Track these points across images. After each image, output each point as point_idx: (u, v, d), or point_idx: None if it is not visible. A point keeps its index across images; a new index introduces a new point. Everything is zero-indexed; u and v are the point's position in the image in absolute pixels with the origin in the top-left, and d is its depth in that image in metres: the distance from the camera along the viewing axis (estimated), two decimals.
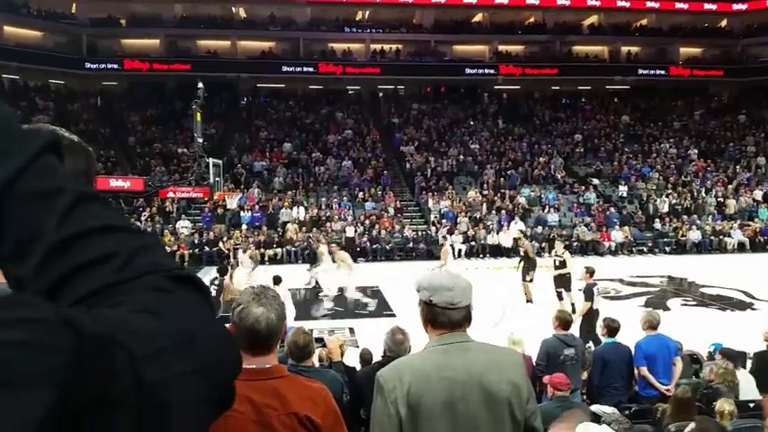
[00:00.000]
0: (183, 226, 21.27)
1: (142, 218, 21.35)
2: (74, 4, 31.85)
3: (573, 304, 11.64)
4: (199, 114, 24.34)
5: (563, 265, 12.54)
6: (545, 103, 33.73)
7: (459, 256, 21.40)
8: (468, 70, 33.60)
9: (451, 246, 18.88)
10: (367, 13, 34.29)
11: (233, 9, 33.21)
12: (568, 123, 31.88)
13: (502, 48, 34.70)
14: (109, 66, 31.30)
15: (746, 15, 35.35)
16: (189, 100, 24.92)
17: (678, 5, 34.92)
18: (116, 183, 23.00)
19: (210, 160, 22.55)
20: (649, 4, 34.94)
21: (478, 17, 34.91)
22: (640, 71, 34.34)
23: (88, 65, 31.20)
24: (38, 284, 0.55)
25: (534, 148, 29.18)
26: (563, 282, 12.40)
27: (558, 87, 34.70)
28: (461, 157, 28.02)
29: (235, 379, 0.62)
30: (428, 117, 31.52)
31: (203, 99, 24.41)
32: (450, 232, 21.89)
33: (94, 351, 0.47)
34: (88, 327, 0.48)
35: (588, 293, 9.80)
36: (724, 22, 36.21)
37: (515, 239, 20.76)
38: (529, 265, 13.51)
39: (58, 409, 0.43)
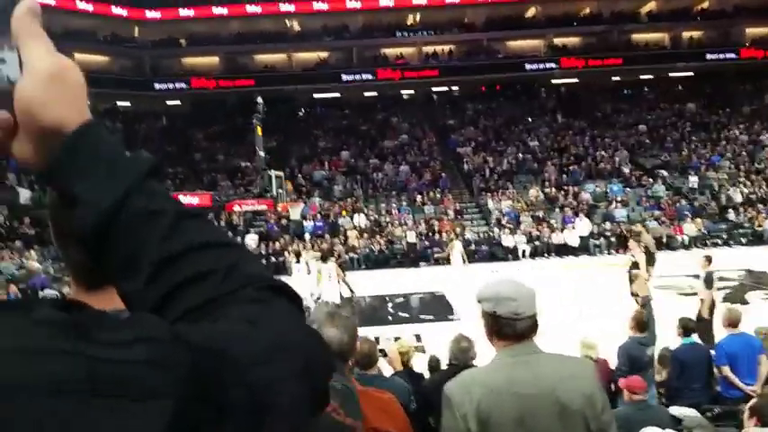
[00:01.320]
0: (251, 239, 21.80)
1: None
2: (136, 29, 33.26)
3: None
4: (259, 128, 24.99)
5: (636, 266, 12.12)
6: (605, 95, 32.87)
7: (524, 256, 21.14)
8: (525, 66, 33.09)
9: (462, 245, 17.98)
10: (418, 16, 34.34)
11: (286, 23, 33.92)
12: (631, 114, 30.97)
13: (558, 41, 34.05)
14: (172, 85, 32.53)
15: None
16: (250, 114, 25.59)
17: None
18: (185, 199, 23.82)
19: (273, 172, 23.08)
20: None
21: (531, 11, 34.40)
22: (706, 56, 32.96)
23: (153, 85, 32.53)
24: (145, 300, 0.60)
25: (596, 142, 28.48)
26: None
27: (618, 78, 33.76)
28: (520, 155, 27.65)
29: (328, 380, 0.68)
30: (484, 116, 31.28)
31: (263, 113, 25.04)
32: (513, 232, 21.65)
33: (207, 364, 0.51)
34: (198, 341, 0.52)
35: (709, 282, 9.63)
36: None
37: (631, 233, 19.18)
38: (649, 261, 12.93)
39: (180, 421, 0.47)
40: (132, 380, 0.47)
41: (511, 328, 2.01)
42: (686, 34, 34.32)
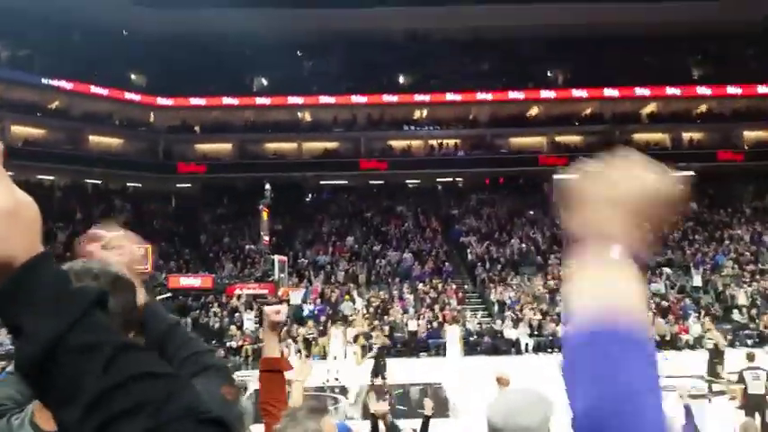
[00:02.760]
0: (248, 318, 21.59)
1: (210, 313, 21.89)
2: (151, 114, 34.44)
3: None
4: (265, 213, 25.41)
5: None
6: None
7: (527, 350, 20.78)
8: (529, 161, 33.90)
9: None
10: (425, 112, 35.53)
11: (299, 114, 35.13)
12: None
13: (559, 139, 35.02)
14: (182, 169, 33.28)
15: None
16: (257, 199, 26.06)
17: (731, 90, 34.62)
18: (187, 281, 23.83)
19: (276, 257, 23.21)
20: (701, 91, 34.83)
21: (534, 110, 35.57)
22: (703, 159, 33.73)
23: (165, 168, 33.28)
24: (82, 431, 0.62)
25: None
26: None
27: None
28: (524, 246, 27.77)
29: None
30: (488, 207, 31.67)
31: (270, 198, 25.52)
32: (516, 325, 21.38)
33: None
34: None
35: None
36: None
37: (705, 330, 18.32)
38: (718, 360, 12.74)
39: None
40: None
41: None
42: (686, 135, 35.28)
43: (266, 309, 2.61)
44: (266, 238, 25.91)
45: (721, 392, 12.47)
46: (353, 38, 34.14)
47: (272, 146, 34.98)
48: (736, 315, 22.18)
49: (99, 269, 1.14)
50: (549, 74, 36.14)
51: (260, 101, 34.57)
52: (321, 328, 19.85)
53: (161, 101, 33.89)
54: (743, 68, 34.36)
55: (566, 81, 35.69)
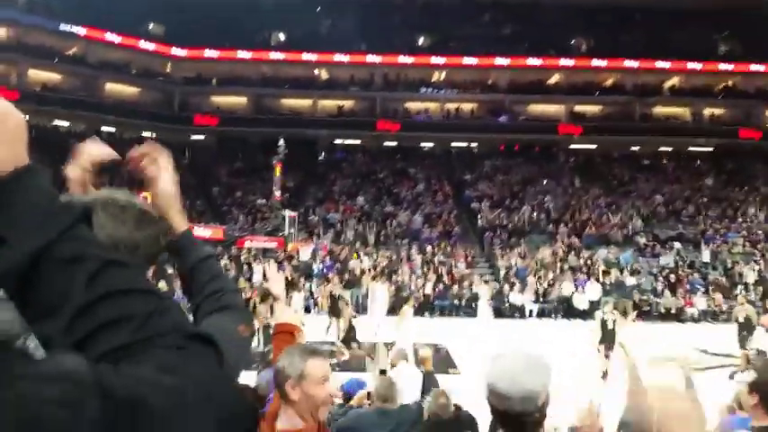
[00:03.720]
0: (258, 270, 21.84)
1: (221, 264, 22.16)
2: (168, 65, 34.29)
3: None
4: (278, 169, 25.47)
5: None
6: (624, 163, 33.12)
7: (531, 315, 20.95)
8: (545, 130, 33.56)
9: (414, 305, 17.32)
10: (443, 74, 35.11)
11: (315, 71, 34.80)
12: (648, 184, 31.08)
13: (579, 108, 34.59)
14: (197, 121, 33.28)
15: None
16: (271, 155, 26.08)
17: (754, 68, 33.88)
18: (199, 231, 24.05)
19: (287, 212, 23.37)
20: (724, 67, 34.15)
21: (555, 78, 35.06)
22: (723, 135, 33.25)
23: (179, 120, 33.29)
24: (64, 342, 0.61)
25: (612, 209, 28.52)
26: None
27: (637, 148, 34.06)
28: (534, 214, 27.73)
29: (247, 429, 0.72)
30: (500, 174, 31.53)
31: (283, 154, 25.52)
32: (522, 291, 21.50)
33: (122, 411, 0.53)
34: (117, 387, 0.54)
35: None
36: None
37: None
38: (748, 332, 12.99)
39: None
40: (43, 418, 0.48)
41: (513, 423, 1.80)
42: (707, 111, 34.74)
43: (267, 284, 2.85)
44: (278, 193, 26.04)
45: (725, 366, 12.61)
46: None
47: (287, 102, 34.83)
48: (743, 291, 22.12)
49: (125, 202, 1.14)
50: (571, 42, 35.44)
51: (276, 56, 34.29)
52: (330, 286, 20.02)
53: (177, 51, 33.72)
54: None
55: (588, 50, 35.02)
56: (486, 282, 20.87)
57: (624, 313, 16.62)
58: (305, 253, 23.01)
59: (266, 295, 11.82)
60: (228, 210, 27.73)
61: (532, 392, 1.74)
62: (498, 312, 20.69)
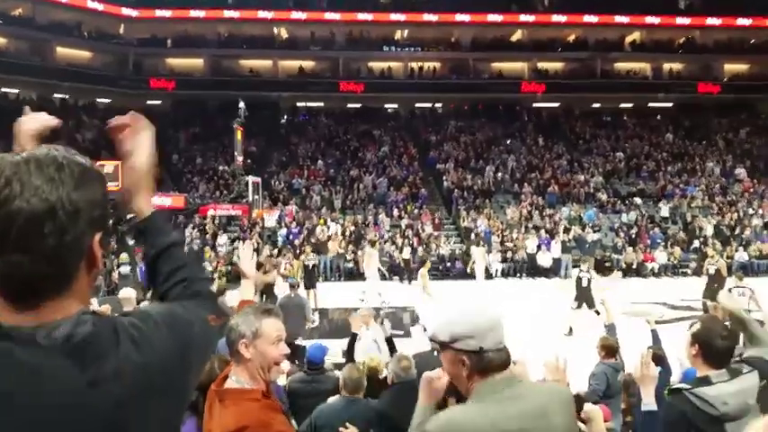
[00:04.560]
0: (221, 243, 21.56)
1: (185, 235, 21.75)
2: (121, 26, 32.92)
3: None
4: (239, 132, 24.84)
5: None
6: (585, 120, 33.35)
7: (496, 275, 21.21)
8: (508, 88, 33.46)
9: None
10: (405, 32, 34.54)
11: (274, 30, 33.85)
12: (609, 141, 31.42)
13: (541, 65, 34.53)
14: (153, 85, 32.18)
15: None
16: (231, 118, 25.41)
17: (713, 22, 34.20)
18: (159, 200, 23.44)
19: (250, 178, 22.91)
20: (683, 21, 34.39)
21: (517, 35, 34.83)
22: (683, 90, 33.66)
23: (134, 84, 32.15)
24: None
25: (574, 166, 28.81)
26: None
27: (598, 105, 34.29)
28: (499, 174, 27.84)
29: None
30: (465, 134, 31.46)
31: (244, 117, 24.88)
32: (488, 251, 21.67)
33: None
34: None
35: None
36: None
37: (705, 257, 18.57)
38: (719, 285, 13.25)
39: None
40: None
41: (497, 361, 1.82)
42: (667, 66, 35.04)
43: (239, 261, 2.92)
44: (240, 158, 25.48)
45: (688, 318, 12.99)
46: None
47: (246, 63, 33.88)
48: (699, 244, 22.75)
49: (64, 158, 1.02)
50: None
51: (233, 14, 33.18)
52: (297, 252, 19.86)
53: (129, 12, 32.33)
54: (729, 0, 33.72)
55: (551, 5, 34.80)
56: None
57: (600, 271, 17.00)
58: (270, 220, 22.73)
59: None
60: (189, 177, 27.12)
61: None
62: (465, 274, 20.94)
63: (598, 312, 11.60)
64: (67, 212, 0.97)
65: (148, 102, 32.71)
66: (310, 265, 15.36)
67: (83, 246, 1.00)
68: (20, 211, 0.93)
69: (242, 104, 24.99)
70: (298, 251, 19.38)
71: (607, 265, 21.10)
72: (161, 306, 1.23)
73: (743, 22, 34.33)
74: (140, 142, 1.33)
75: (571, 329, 12.48)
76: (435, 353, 4.46)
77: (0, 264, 0.94)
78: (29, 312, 0.97)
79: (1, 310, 0.98)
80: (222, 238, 21.66)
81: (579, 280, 12.89)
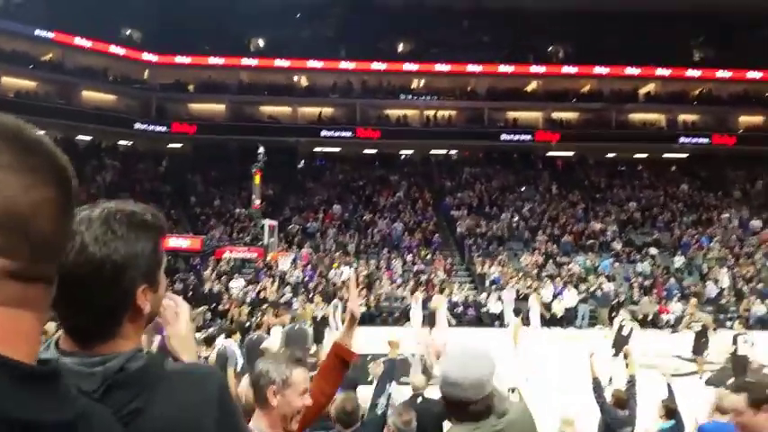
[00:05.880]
0: (236, 286, 21.65)
1: (202, 277, 21.90)
2: (146, 71, 33.94)
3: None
4: (257, 176, 25.32)
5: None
6: (600, 170, 33.49)
7: (510, 324, 21.00)
8: (521, 137, 33.80)
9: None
10: (421, 81, 35.23)
11: (294, 77, 34.73)
12: (624, 190, 31.46)
13: (556, 115, 34.93)
14: (175, 128, 32.93)
15: None
16: (250, 163, 25.91)
17: (727, 74, 34.51)
18: (176, 242, 23.78)
19: (266, 221, 23.24)
20: (698, 73, 34.80)
21: (532, 85, 35.36)
22: (699, 139, 33.79)
23: (156, 127, 32.92)
24: None
25: (589, 215, 28.82)
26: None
27: (613, 154, 34.46)
28: (514, 222, 27.90)
29: None
30: (480, 182, 31.69)
31: (263, 162, 25.36)
32: (501, 299, 21.55)
33: None
34: None
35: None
36: None
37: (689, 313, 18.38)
38: (706, 340, 13.22)
39: None
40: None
41: (461, 412, 1.97)
42: (681, 117, 35.29)
43: (349, 305, 2.81)
44: (257, 202, 25.88)
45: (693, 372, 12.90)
46: (353, 2, 33.66)
47: (266, 109, 34.66)
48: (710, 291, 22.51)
49: (114, 213, 1.09)
50: (549, 49, 35.80)
51: (255, 62, 34.12)
52: (311, 295, 19.92)
53: (153, 57, 33.30)
54: (743, 53, 34.07)
55: (566, 57, 35.41)
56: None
57: (637, 321, 16.90)
58: (284, 263, 22.89)
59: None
60: (207, 219, 27.48)
61: (480, 380, 1.96)
62: (479, 320, 20.84)
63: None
64: (114, 268, 1.01)
65: (170, 145, 33.50)
66: (319, 317, 14.91)
67: (128, 299, 1.04)
68: (65, 269, 0.92)
69: (261, 149, 25.51)
70: (311, 295, 19.41)
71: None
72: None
73: (754, 75, 34.62)
74: (178, 314, 1.46)
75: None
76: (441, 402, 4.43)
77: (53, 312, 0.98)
78: (84, 347, 1.03)
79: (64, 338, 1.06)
80: (237, 282, 21.78)
81: (621, 328, 12.86)
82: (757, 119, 35.38)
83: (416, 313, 17.21)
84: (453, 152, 35.06)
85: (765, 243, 26.55)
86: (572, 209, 29.37)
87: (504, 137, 33.74)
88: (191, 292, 19.62)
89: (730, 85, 35.00)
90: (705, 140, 33.80)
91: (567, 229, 27.22)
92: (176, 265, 23.07)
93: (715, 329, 14.25)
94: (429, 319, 16.84)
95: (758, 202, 30.60)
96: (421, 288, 21.94)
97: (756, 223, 28.13)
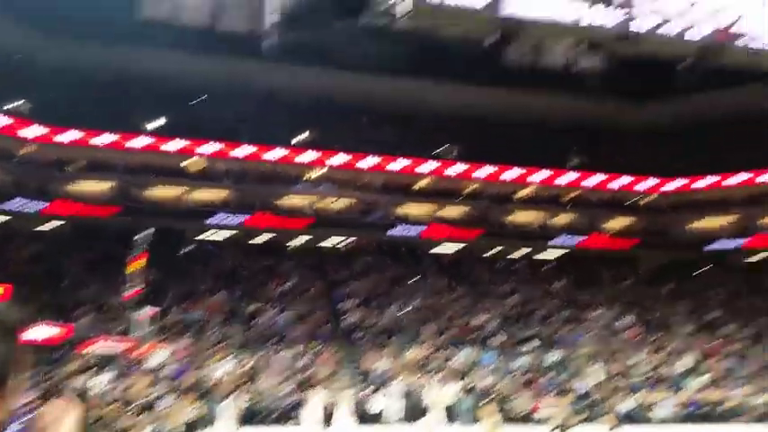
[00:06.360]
0: (105, 378, 20.19)
1: (65, 370, 20.24)
2: (27, 146, 32.09)
3: None
4: (139, 262, 24.22)
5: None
6: (483, 266, 34.93)
7: (395, 418, 20.85)
8: (411, 232, 34.82)
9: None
10: (318, 171, 35.73)
11: (187, 160, 34.10)
12: (505, 286, 32.86)
13: (442, 212, 36.40)
14: (54, 208, 31.09)
15: (673, 194, 38.30)
16: (132, 247, 24.80)
17: (598, 180, 37.82)
18: (41, 330, 21.85)
19: (145, 310, 22.14)
20: (564, 178, 37.76)
21: (424, 182, 36.77)
22: (573, 240, 36.27)
23: (33, 205, 30.92)
24: None
25: (473, 309, 29.72)
26: None
27: (496, 250, 36.17)
28: (401, 314, 28.25)
29: None
30: (369, 274, 32.06)
31: (146, 247, 24.39)
32: (387, 393, 21.45)
33: None
34: None
35: None
36: (651, 199, 39.02)
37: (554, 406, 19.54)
38: None
39: None
40: None
41: None
42: (558, 218, 37.90)
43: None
44: (137, 288, 24.64)
45: None
46: (254, 91, 34.05)
47: (155, 191, 33.61)
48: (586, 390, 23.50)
49: None
50: (440, 148, 37.48)
51: (147, 141, 33.20)
52: (181, 389, 18.90)
53: (37, 132, 31.62)
54: (611, 161, 37.56)
55: (455, 157, 37.17)
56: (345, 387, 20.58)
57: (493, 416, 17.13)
58: (159, 355, 21.68)
59: None
60: (77, 306, 25.73)
61: None
62: (361, 418, 20.47)
63: None
64: None
65: (48, 225, 31.50)
66: (189, 421, 14.10)
67: None
68: None
69: (145, 233, 24.60)
70: (183, 394, 18.42)
71: (500, 410, 21.25)
72: None
73: (621, 182, 38.07)
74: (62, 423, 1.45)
75: None
76: None
77: None
78: None
79: None
80: (104, 376, 20.31)
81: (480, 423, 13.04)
82: (624, 221, 38.58)
83: (310, 411, 16.62)
84: (345, 243, 35.41)
85: (632, 338, 28.39)
86: (457, 303, 30.20)
87: (394, 231, 34.59)
88: (53, 389, 18.03)
89: (599, 190, 38.15)
90: (578, 240, 36.32)
91: (453, 323, 27.85)
92: (39, 357, 21.20)
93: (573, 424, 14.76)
94: (325, 418, 16.46)
95: (627, 300, 32.86)
96: (309, 383, 21.46)
97: (626, 321, 30.07)
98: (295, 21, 23.78)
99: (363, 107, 35.46)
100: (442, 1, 19.66)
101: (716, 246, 35.64)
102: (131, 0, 27.65)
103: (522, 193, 37.62)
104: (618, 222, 38.42)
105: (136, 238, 24.03)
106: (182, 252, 31.91)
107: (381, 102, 35.57)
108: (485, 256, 35.84)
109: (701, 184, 37.23)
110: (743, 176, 36.16)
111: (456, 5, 19.75)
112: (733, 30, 21.55)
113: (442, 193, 36.12)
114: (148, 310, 23.15)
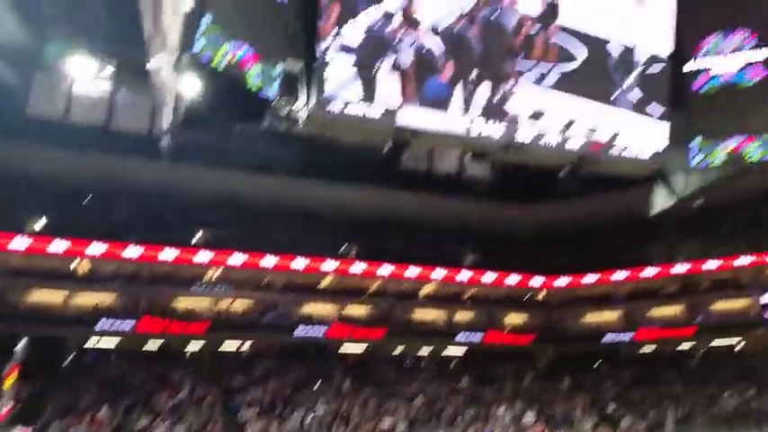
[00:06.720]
0: None
1: None
2: None
3: None
4: (13, 375, 21.84)
5: None
6: (389, 365, 34.58)
7: None
8: (316, 332, 33.99)
9: None
10: (215, 272, 34.57)
11: (71, 263, 31.85)
12: (411, 386, 32.49)
13: (346, 311, 36.09)
14: None
15: (565, 290, 40.28)
16: (5, 358, 22.33)
17: (493, 278, 39.31)
18: None
19: (17, 429, 19.70)
20: (469, 276, 38.85)
21: (326, 281, 36.48)
22: (476, 337, 36.93)
23: None
24: None
25: (380, 411, 28.99)
26: None
27: (400, 349, 36.01)
28: (305, 421, 27.01)
29: None
30: (272, 378, 30.73)
31: (21, 358, 22.06)
32: None
33: None
34: None
35: None
36: (544, 294, 40.86)
37: None
38: None
39: None
40: None
41: None
42: (458, 315, 38.62)
43: None
44: (8, 405, 22.00)
45: None
46: (147, 189, 32.98)
47: (34, 296, 30.89)
48: None
49: None
50: (342, 248, 37.55)
51: (24, 243, 30.64)
52: None
53: None
54: (505, 259, 39.28)
55: (357, 256, 37.29)
56: None
57: None
58: None
59: None
60: None
61: None
62: None
63: None
64: None
65: None
66: None
67: None
68: None
69: (21, 342, 22.30)
70: None
71: None
72: None
73: (512, 280, 39.64)
74: None
75: None
76: None
77: None
78: None
79: None
80: None
81: None
82: (521, 317, 39.93)
83: None
84: (245, 347, 33.92)
85: None
86: (363, 406, 29.34)
87: (297, 332, 33.64)
88: None
89: (495, 287, 39.50)
90: (479, 337, 37.01)
91: (360, 428, 26.93)
92: None
93: None
94: None
95: (529, 396, 33.37)
96: None
97: (529, 417, 30.35)
98: (194, 122, 23.82)
99: (264, 207, 35.28)
100: (342, 110, 20.51)
101: (608, 339, 37.49)
102: (24, 97, 26.75)
103: (425, 290, 38.24)
104: (515, 318, 39.72)
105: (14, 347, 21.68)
106: (64, 363, 29.12)
107: (283, 202, 35.65)
108: (390, 355, 35.52)
109: (588, 280, 39.55)
110: (625, 273, 38.84)
111: (354, 114, 20.67)
112: (607, 141, 23.91)
113: (345, 291, 35.97)
114: (20, 429, 20.65)
